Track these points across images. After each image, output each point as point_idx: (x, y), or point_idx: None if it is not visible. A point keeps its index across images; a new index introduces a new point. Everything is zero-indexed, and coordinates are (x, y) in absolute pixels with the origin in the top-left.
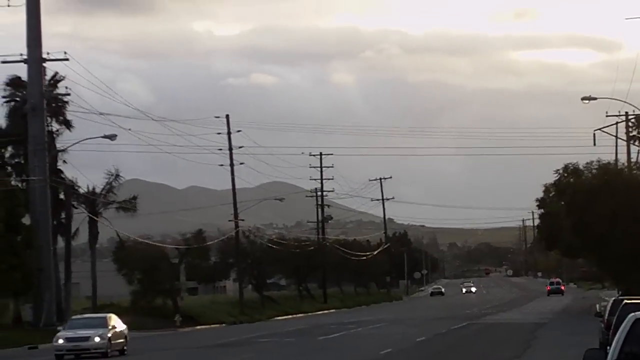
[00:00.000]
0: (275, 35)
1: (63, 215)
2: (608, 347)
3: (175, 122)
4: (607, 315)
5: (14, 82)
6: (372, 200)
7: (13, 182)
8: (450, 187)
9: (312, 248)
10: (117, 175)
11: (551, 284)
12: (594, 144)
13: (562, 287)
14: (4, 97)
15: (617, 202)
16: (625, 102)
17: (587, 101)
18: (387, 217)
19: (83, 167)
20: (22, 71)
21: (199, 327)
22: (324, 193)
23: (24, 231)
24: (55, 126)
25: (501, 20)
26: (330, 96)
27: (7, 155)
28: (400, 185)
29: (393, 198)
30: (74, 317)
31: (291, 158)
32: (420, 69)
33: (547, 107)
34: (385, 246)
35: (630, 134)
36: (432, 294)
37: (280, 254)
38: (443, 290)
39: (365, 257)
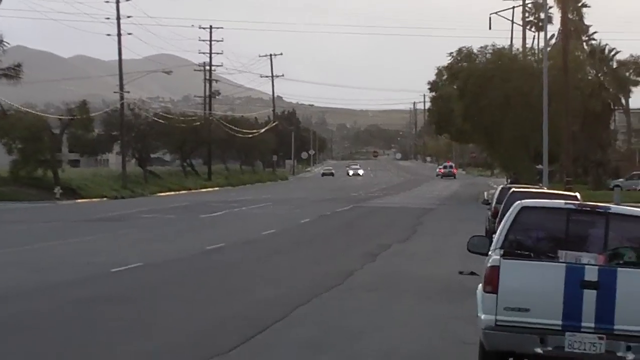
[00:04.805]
0: None
1: None
2: (494, 235)
3: None
4: (494, 203)
5: None
6: (261, 77)
7: None
8: (342, 66)
9: (198, 123)
10: (1, 41)
11: (444, 167)
12: (490, 28)
13: (455, 171)
14: None
15: (510, 88)
16: None
17: None
18: (276, 94)
19: None
20: None
21: (79, 200)
22: (213, 68)
23: None
24: None
25: None
26: None
27: None
28: (291, 63)
29: (283, 75)
30: None
31: (180, 30)
32: None
33: None
34: (273, 124)
35: (527, 20)
36: (323, 174)
37: (165, 128)
38: (333, 171)
39: (252, 135)
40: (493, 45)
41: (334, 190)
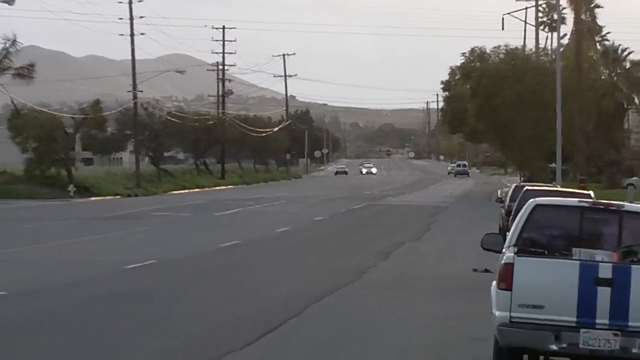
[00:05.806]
0: None
1: None
2: (507, 233)
3: None
4: (508, 201)
5: None
6: (274, 77)
7: None
8: (356, 66)
9: (211, 122)
10: (14, 41)
11: (458, 165)
12: (502, 29)
13: (468, 169)
14: None
15: (523, 88)
16: None
17: None
18: (289, 94)
19: None
20: None
21: (93, 198)
22: (226, 67)
23: None
24: None
25: None
26: None
27: None
28: (304, 62)
29: (296, 75)
30: None
31: (193, 30)
32: None
33: None
34: (286, 123)
35: (540, 20)
36: (336, 173)
37: (179, 127)
38: (347, 170)
39: (265, 134)
40: (506, 46)
41: (348, 188)
